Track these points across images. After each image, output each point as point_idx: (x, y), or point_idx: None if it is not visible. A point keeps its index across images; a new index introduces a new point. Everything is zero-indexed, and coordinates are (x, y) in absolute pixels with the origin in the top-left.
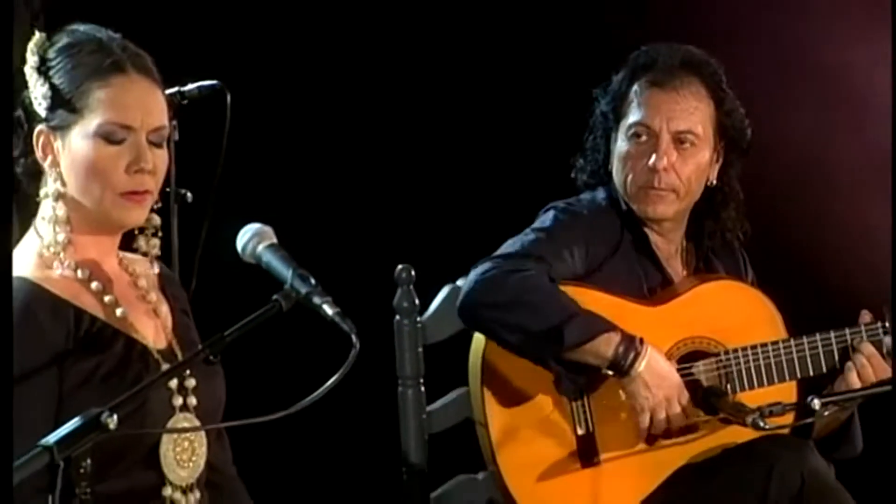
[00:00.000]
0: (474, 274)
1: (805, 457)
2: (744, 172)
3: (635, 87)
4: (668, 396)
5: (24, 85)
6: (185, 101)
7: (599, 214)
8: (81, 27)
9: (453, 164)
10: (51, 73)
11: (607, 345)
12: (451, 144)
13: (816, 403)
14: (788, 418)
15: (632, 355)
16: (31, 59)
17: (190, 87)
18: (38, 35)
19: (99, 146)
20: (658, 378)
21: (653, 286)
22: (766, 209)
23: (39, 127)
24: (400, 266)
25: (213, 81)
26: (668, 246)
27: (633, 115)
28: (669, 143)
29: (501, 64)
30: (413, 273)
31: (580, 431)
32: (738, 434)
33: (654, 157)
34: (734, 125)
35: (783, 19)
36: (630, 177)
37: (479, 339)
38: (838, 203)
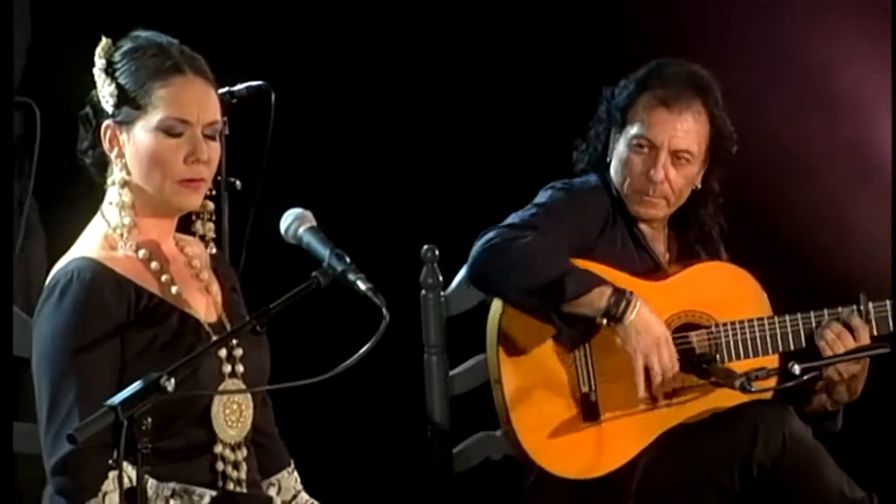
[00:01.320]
0: (480, 242)
1: (786, 419)
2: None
3: (643, 99)
4: (657, 341)
5: (93, 85)
6: (235, 100)
7: (592, 192)
8: (143, 33)
9: (472, 157)
10: (117, 74)
11: (601, 296)
12: (472, 140)
13: (797, 369)
14: (771, 382)
15: (623, 304)
16: (99, 62)
17: (239, 87)
18: (104, 40)
19: (160, 139)
20: (647, 325)
21: (642, 260)
22: (749, 197)
23: (106, 122)
24: (425, 246)
25: (260, 82)
26: (654, 233)
27: (639, 128)
28: (668, 158)
29: (518, 64)
30: (437, 252)
31: (584, 390)
32: (727, 398)
33: (652, 170)
34: (723, 143)
35: (765, 22)
36: (628, 181)
37: (495, 309)
38: (814, 191)
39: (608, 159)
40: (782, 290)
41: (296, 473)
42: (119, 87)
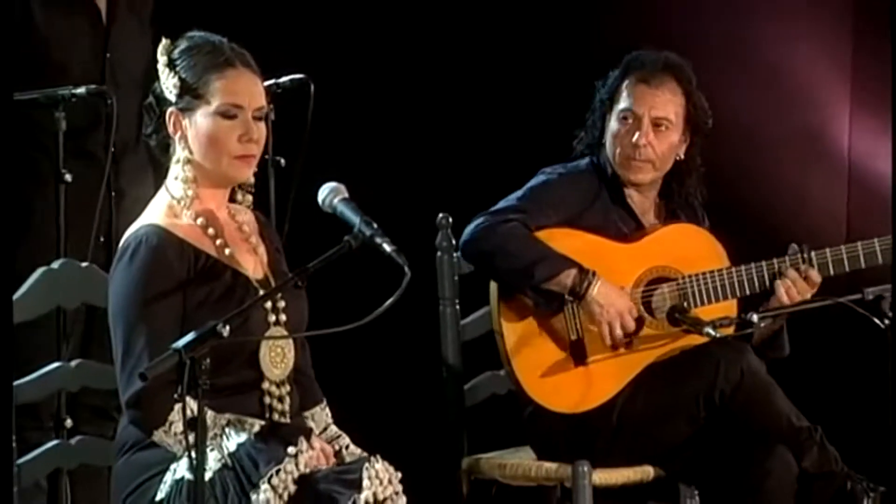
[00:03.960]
0: (470, 226)
1: (744, 355)
2: (703, 143)
3: (626, 82)
4: (619, 312)
5: (155, 78)
6: (280, 90)
7: (577, 175)
8: (197, 33)
9: (481, 140)
10: (177, 68)
11: (567, 278)
12: (480, 126)
13: (755, 318)
14: (731, 329)
15: (585, 284)
16: (162, 59)
17: (283, 79)
18: (164, 41)
19: (218, 122)
20: (608, 299)
21: (628, 232)
22: (718, 170)
23: (170, 109)
24: (441, 215)
25: (301, 75)
26: (645, 202)
27: (624, 103)
28: (649, 126)
29: (522, 62)
30: (451, 220)
31: (572, 337)
32: (694, 340)
33: (636, 135)
34: (699, 115)
35: (732, 22)
36: (618, 150)
37: None
38: (773, 168)
39: (603, 141)
40: (744, 253)
41: (327, 409)
42: (181, 79)
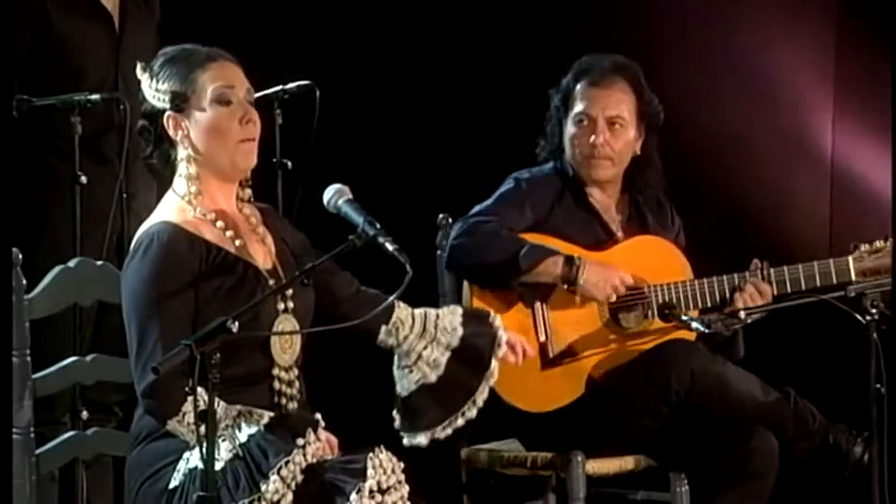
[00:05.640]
0: (452, 233)
1: (692, 356)
2: (687, 146)
3: (578, 86)
4: (613, 286)
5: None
6: (287, 95)
7: (541, 178)
8: (169, 48)
9: (478, 146)
10: (162, 79)
11: (555, 265)
12: (477, 131)
13: (742, 314)
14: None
15: (575, 269)
16: (144, 77)
17: (290, 85)
18: (139, 64)
19: (216, 110)
20: (599, 277)
21: (592, 230)
22: (703, 174)
23: (167, 113)
24: (441, 215)
25: (307, 81)
26: (608, 200)
27: (578, 107)
28: (604, 125)
29: (521, 65)
30: (450, 220)
31: (541, 339)
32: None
33: (593, 136)
34: (651, 111)
35: (721, 31)
36: (578, 151)
37: (466, 286)
38: (758, 169)
39: (563, 146)
40: (729, 252)
41: (400, 303)
42: (169, 87)
